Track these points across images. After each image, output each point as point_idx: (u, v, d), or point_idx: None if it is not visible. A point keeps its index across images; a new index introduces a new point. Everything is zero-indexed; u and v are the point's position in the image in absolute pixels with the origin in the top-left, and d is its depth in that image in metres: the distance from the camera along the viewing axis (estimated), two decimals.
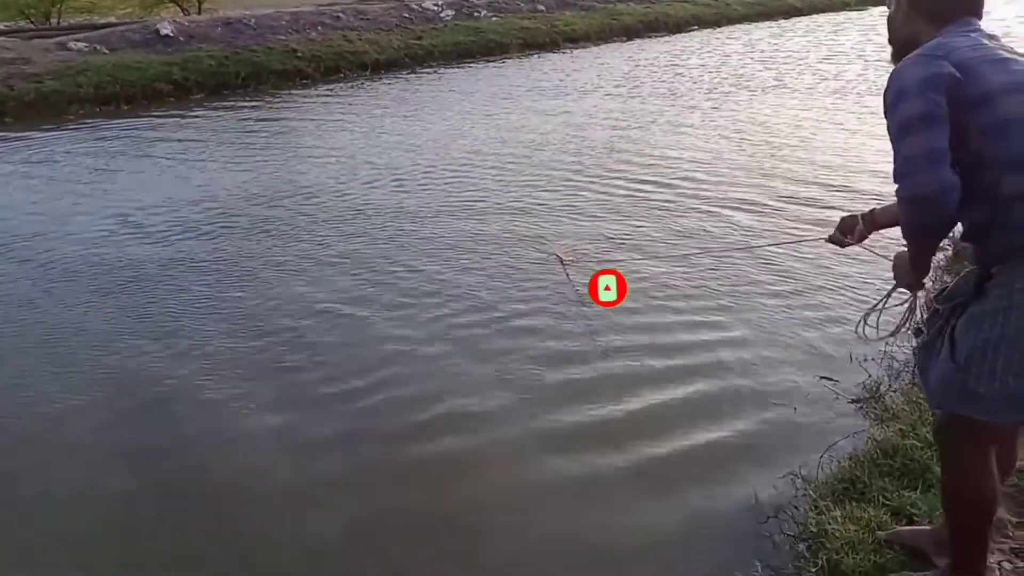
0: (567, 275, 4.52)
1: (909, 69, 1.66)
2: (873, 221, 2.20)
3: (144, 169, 7.83)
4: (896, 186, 1.67)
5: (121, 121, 10.39)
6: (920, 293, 2.05)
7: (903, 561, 2.18)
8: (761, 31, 18.90)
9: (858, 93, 10.26)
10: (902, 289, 2.05)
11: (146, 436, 3.31)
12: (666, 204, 6.06)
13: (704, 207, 5.94)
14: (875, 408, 3.19)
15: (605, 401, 3.39)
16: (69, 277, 5.02)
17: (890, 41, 1.94)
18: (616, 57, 15.40)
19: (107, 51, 12.80)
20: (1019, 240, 1.62)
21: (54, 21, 18.18)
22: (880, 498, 2.47)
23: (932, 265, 1.97)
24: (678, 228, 5.51)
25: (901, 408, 3.10)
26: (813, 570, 2.24)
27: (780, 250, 4.92)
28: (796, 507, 2.63)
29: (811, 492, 2.67)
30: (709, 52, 15.59)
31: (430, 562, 2.57)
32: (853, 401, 3.31)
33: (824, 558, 2.26)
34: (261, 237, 5.62)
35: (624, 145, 8.11)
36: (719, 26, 20.33)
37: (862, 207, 2.33)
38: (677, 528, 2.67)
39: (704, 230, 5.45)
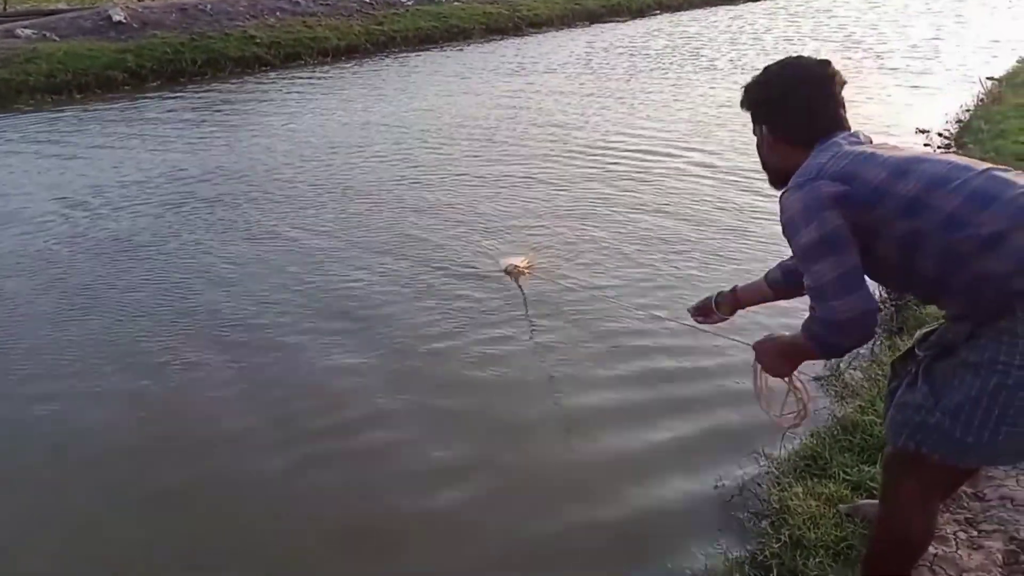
0: (520, 288, 4.21)
1: (792, 199, 1.66)
2: (736, 301, 2.27)
3: (98, 157, 7.63)
4: (812, 307, 1.64)
5: (73, 110, 10.11)
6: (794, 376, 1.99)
7: (864, 534, 2.23)
8: (720, 15, 19.05)
9: None
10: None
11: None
12: (622, 196, 6.08)
13: (665, 192, 5.98)
14: (835, 385, 3.25)
15: (569, 396, 3.38)
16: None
17: (763, 168, 1.92)
18: (578, 41, 15.40)
19: (57, 38, 12.42)
20: (1014, 286, 1.51)
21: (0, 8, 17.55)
22: (841, 473, 2.52)
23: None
24: (629, 219, 5.54)
25: (860, 385, 3.16)
26: (776, 545, 2.27)
27: (751, 228, 5.00)
28: (759, 484, 2.67)
29: (774, 469, 2.71)
30: (668, 35, 15.69)
31: None
32: (814, 379, 3.35)
33: (787, 533, 2.29)
34: (209, 231, 5.52)
35: (580, 129, 8.13)
36: (681, 10, 20.45)
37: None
38: (641, 509, 2.68)
39: (664, 209, 5.49)
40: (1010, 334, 1.52)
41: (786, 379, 2.02)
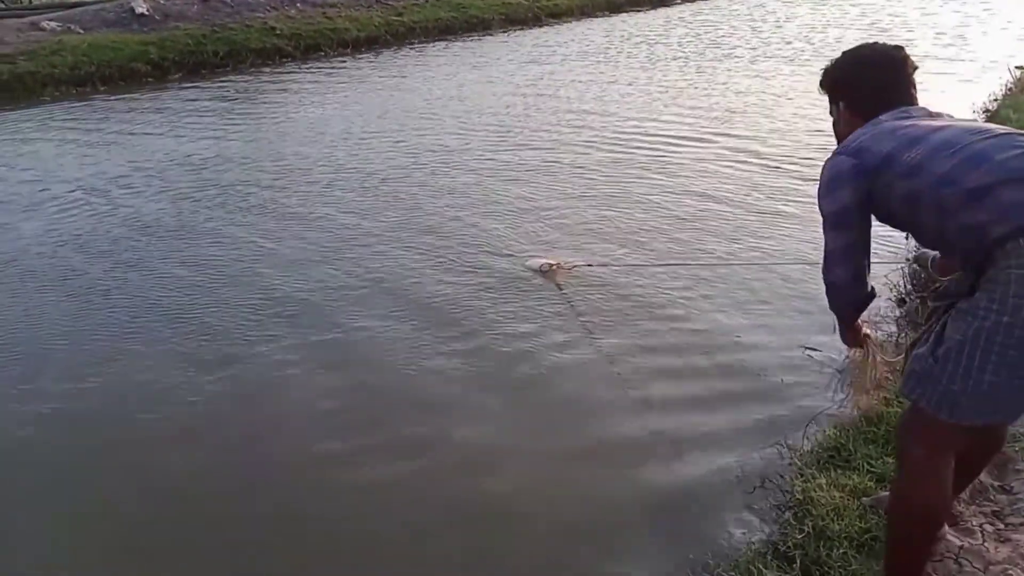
0: (557, 286, 4.21)
1: (824, 169, 1.90)
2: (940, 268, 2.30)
3: (122, 146, 7.71)
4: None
5: (98, 101, 10.23)
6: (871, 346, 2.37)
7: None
8: (740, 3, 18.86)
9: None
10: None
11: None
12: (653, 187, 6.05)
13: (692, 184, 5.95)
14: (859, 376, 3.22)
15: (601, 386, 3.37)
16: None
17: (839, 143, 2.05)
18: (597, 30, 15.32)
19: (81, 31, 12.57)
20: (992, 233, 1.58)
21: (25, 0, 17.77)
22: (864, 465, 2.50)
23: (859, 328, 2.21)
24: (654, 205, 5.51)
25: (884, 376, 3.13)
26: (799, 536, 2.26)
27: (763, 223, 4.96)
28: (782, 476, 2.65)
29: (797, 460, 2.70)
30: (688, 23, 15.56)
31: None
32: (838, 371, 3.34)
33: (810, 524, 2.28)
34: (230, 217, 5.58)
35: (600, 116, 8.09)
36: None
37: None
38: (665, 500, 2.68)
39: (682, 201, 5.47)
40: (992, 281, 1.59)
41: (863, 345, 2.35)
